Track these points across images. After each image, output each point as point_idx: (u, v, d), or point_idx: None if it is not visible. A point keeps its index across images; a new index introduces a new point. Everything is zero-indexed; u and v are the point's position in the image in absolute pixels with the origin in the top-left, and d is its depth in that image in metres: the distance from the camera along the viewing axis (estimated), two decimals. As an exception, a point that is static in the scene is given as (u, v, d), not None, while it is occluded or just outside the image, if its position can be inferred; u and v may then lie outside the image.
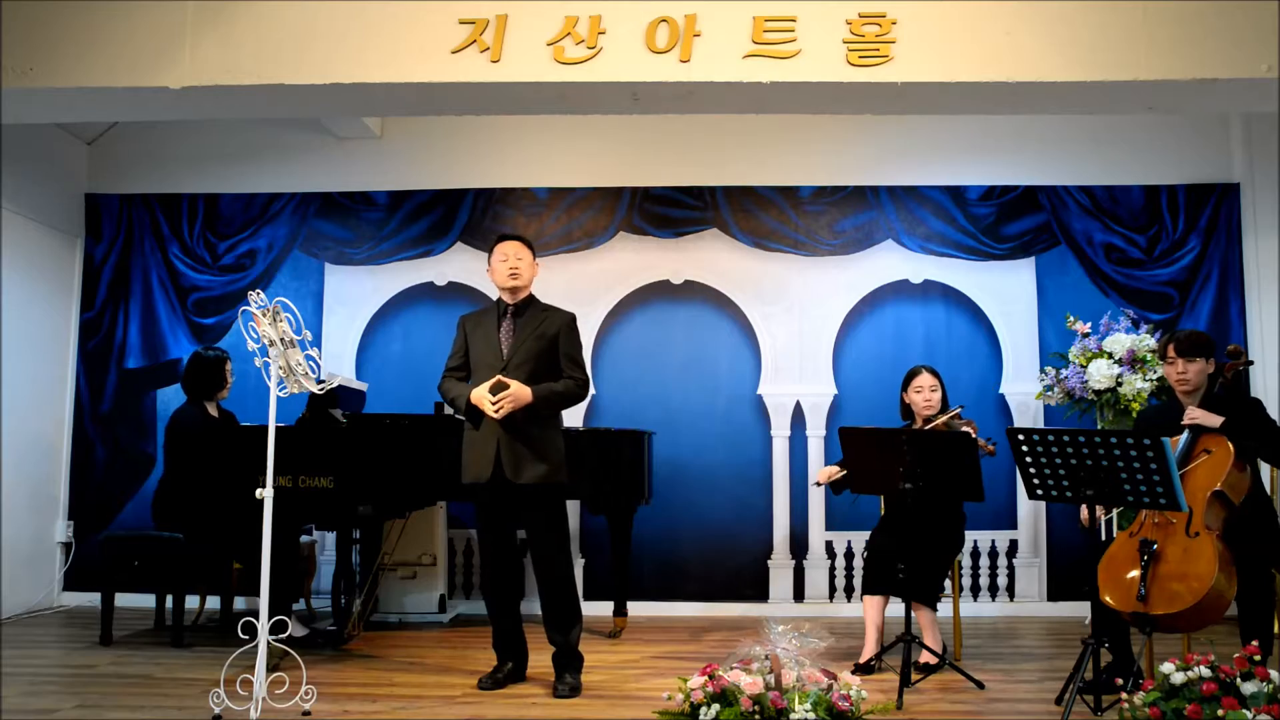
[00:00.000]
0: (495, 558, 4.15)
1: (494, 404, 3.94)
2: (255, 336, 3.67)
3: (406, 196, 6.34)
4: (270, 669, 3.63)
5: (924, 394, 4.65)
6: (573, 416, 6.00)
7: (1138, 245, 6.04)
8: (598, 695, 4.04)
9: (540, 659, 4.20)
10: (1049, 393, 5.57)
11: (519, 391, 3.97)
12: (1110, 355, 5.33)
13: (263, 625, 3.59)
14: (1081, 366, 5.38)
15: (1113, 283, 6.01)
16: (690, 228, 6.26)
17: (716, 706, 3.03)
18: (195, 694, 3.95)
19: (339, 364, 6.21)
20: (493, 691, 4.07)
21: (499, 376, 4.00)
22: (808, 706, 3.00)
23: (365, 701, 3.92)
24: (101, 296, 6.36)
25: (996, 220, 6.14)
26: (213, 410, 5.30)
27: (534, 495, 4.03)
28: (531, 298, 4.22)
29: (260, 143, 6.43)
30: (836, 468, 4.55)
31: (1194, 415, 3.84)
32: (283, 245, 6.36)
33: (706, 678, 3.14)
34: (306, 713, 3.63)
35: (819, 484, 4.66)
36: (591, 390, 6.07)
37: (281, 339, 3.68)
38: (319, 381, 3.81)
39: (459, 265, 6.28)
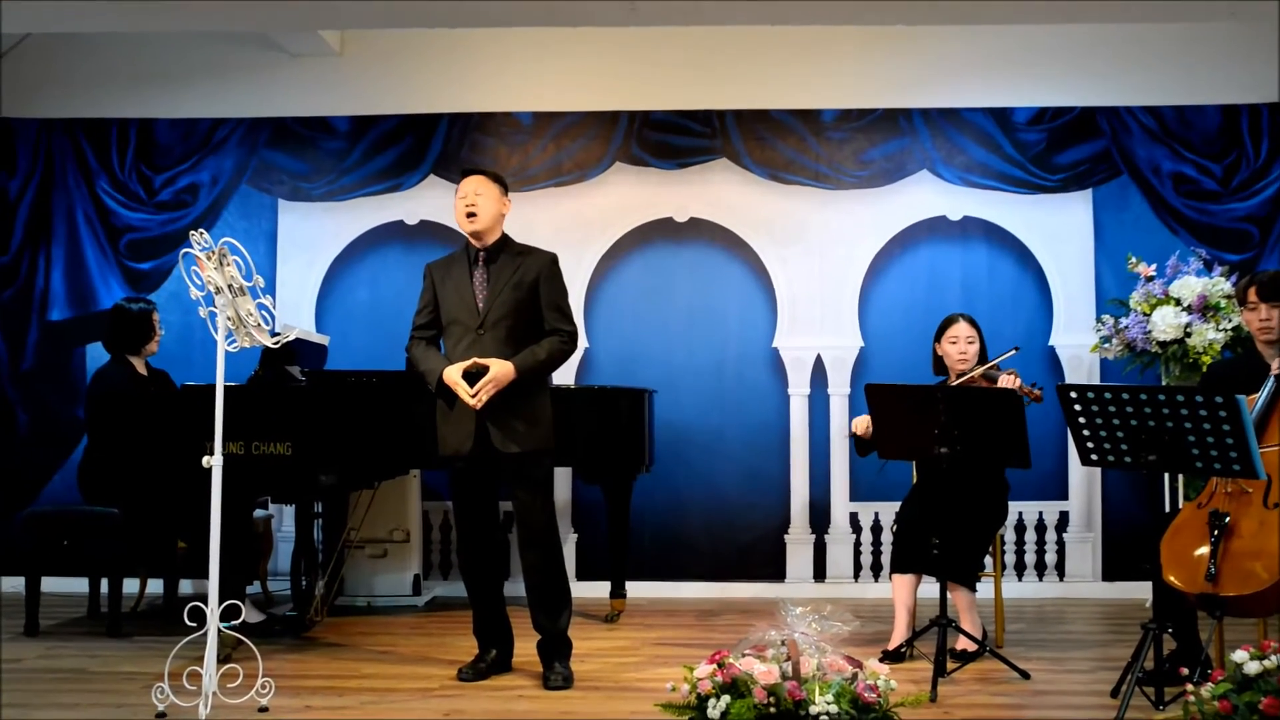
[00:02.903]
0: (475, 534, 4.16)
1: (473, 394, 3.93)
2: (199, 283, 3.66)
3: (371, 123, 6.28)
4: (221, 660, 3.65)
5: (959, 345, 4.64)
6: (564, 373, 5.98)
7: (1212, 175, 5.99)
8: (593, 686, 4.07)
9: (527, 646, 4.22)
10: (1106, 345, 5.56)
11: (499, 374, 3.95)
12: (1178, 301, 5.32)
13: (212, 611, 3.59)
14: (1144, 315, 5.37)
15: (1182, 218, 5.98)
16: (696, 158, 6.21)
17: (726, 698, 3.05)
18: (136, 689, 3.97)
19: (296, 314, 6.19)
20: (475, 683, 4.10)
21: (475, 359, 3.98)
22: (829, 698, 3.01)
23: (330, 696, 3.94)
24: (18, 239, 6.31)
25: (1048, 147, 6.09)
26: (140, 367, 5.29)
27: (519, 463, 4.04)
28: (505, 239, 4.19)
29: (201, 60, 6.34)
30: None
31: None
32: (229, 179, 6.30)
33: (715, 666, 3.15)
34: (264, 709, 3.65)
35: (854, 435, 4.63)
36: (584, 344, 6.07)
37: (229, 285, 3.66)
38: (273, 334, 3.81)
39: (432, 202, 6.24)
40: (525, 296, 4.09)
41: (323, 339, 6.02)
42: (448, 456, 4.11)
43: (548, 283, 4.13)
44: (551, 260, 4.19)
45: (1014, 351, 4.60)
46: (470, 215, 4.09)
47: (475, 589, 4.21)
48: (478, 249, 4.15)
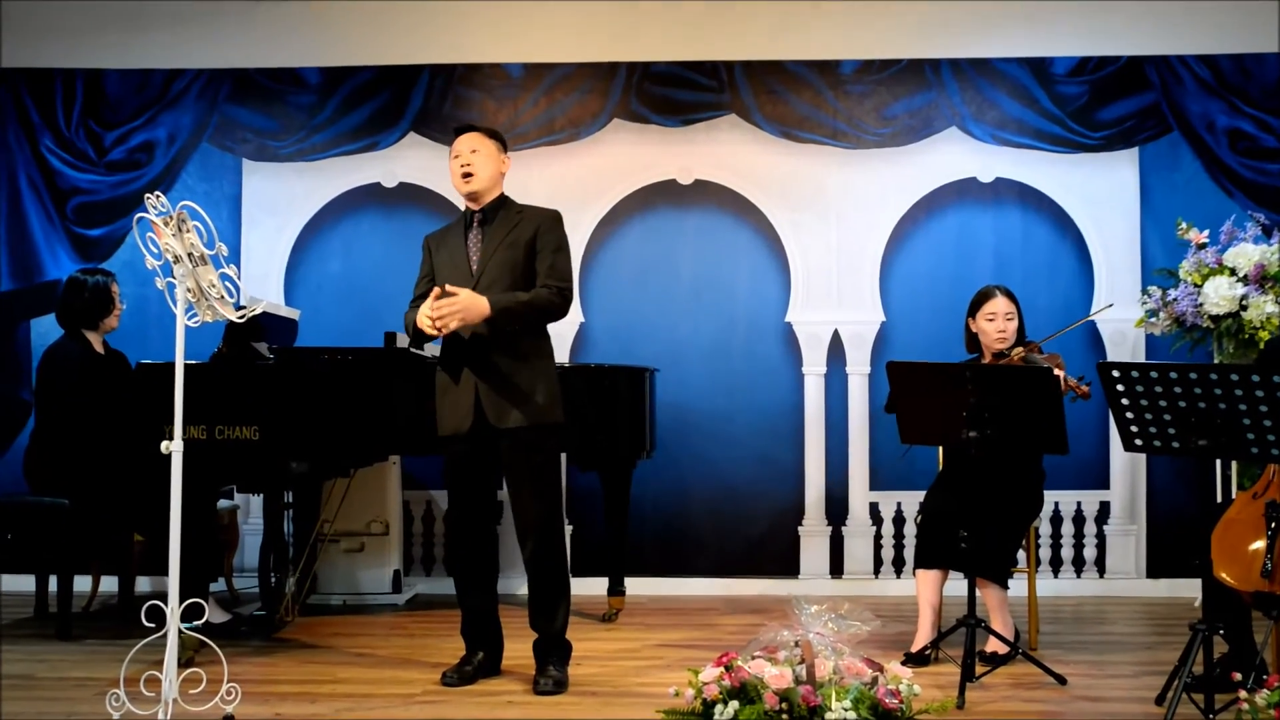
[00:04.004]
0: (468, 524, 4.17)
1: (431, 314, 3.89)
2: (155, 251, 3.64)
3: (345, 75, 6.27)
4: (183, 664, 3.65)
5: (997, 322, 4.64)
6: (557, 351, 5.96)
7: (1272, 131, 5.97)
8: (589, 692, 4.08)
9: (518, 647, 4.24)
10: (1153, 319, 5.55)
11: (466, 300, 3.90)
12: (1232, 271, 5.31)
13: (172, 611, 3.59)
14: (1195, 286, 5.37)
15: (1238, 179, 5.97)
16: (702, 114, 6.21)
17: (735, 704, 3.06)
18: (88, 696, 3.98)
19: (263, 286, 6.19)
20: (460, 688, 4.11)
21: (446, 286, 3.95)
22: (847, 704, 3.03)
23: (302, 702, 3.95)
24: (-45, 203, 6.32)
25: (1090, 101, 6.08)
26: (97, 345, 5.29)
27: (521, 440, 4.04)
28: (503, 199, 4.20)
29: (156, 5, 6.31)
30: None
31: None
32: (188, 136, 6.29)
33: (722, 669, 3.16)
34: (229, 716, 3.66)
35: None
36: (580, 318, 6.07)
37: (189, 254, 3.64)
38: (238, 307, 3.80)
39: (412, 162, 6.24)
40: (521, 256, 4.09)
41: (292, 313, 6.01)
42: (446, 437, 4.11)
43: (545, 238, 4.12)
44: (552, 217, 4.18)
45: (1109, 306, 4.59)
46: (466, 176, 4.09)
47: (466, 586, 4.21)
48: (474, 211, 4.16)
